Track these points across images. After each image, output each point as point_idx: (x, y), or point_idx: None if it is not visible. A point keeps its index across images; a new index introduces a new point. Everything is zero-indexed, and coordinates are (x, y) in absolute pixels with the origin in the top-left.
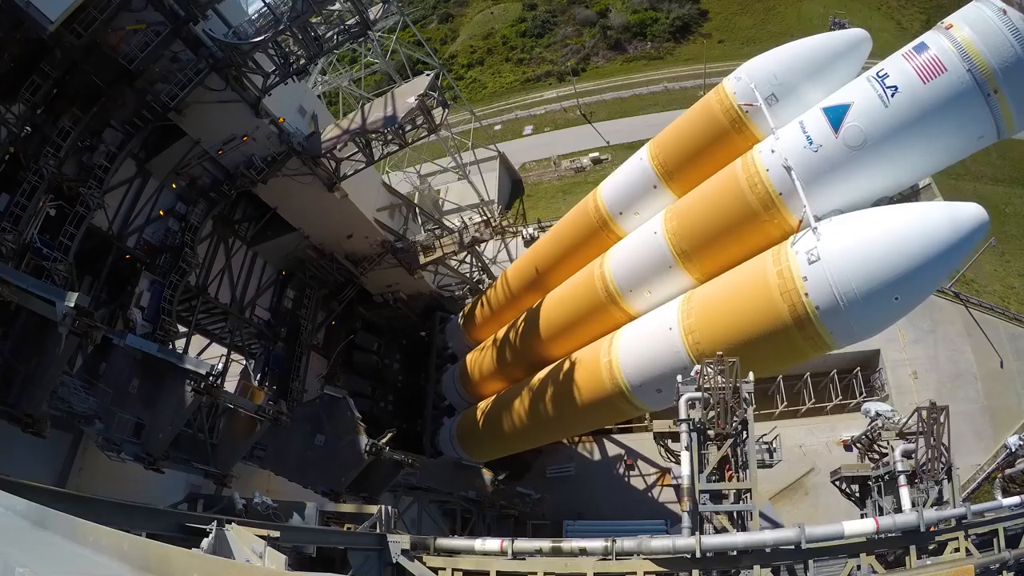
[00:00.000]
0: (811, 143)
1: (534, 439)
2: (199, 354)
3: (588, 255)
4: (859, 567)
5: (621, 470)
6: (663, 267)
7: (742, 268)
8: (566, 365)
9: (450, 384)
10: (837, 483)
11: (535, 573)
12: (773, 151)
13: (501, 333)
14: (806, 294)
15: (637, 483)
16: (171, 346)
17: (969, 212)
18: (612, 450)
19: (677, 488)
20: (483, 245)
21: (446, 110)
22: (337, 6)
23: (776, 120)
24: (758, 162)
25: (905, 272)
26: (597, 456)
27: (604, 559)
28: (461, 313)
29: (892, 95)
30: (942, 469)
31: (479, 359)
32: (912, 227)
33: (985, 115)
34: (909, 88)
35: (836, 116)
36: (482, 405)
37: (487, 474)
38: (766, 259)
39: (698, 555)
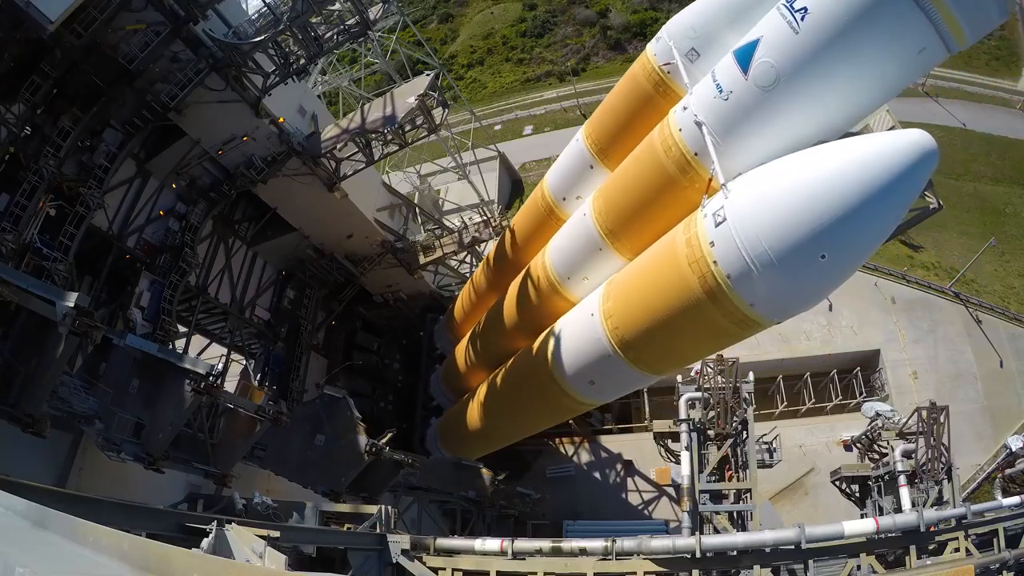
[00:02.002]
0: (721, 91)
1: (498, 438)
2: (199, 354)
3: (539, 246)
4: (859, 567)
5: (621, 470)
6: (594, 250)
7: (658, 243)
8: (513, 361)
9: (436, 384)
10: (837, 483)
11: (535, 573)
12: (685, 108)
13: (472, 331)
14: (714, 262)
15: (637, 483)
16: (171, 346)
17: (906, 141)
18: (612, 450)
19: (677, 488)
20: (483, 245)
21: (446, 110)
22: (337, 6)
23: (698, 76)
24: (671, 123)
25: (828, 222)
26: (597, 456)
27: (604, 559)
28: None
29: (802, 18)
30: (942, 469)
31: (456, 358)
32: (833, 167)
33: (919, 21)
34: (820, 5)
35: (745, 56)
36: (458, 405)
37: (487, 474)
38: (678, 229)
39: (698, 555)
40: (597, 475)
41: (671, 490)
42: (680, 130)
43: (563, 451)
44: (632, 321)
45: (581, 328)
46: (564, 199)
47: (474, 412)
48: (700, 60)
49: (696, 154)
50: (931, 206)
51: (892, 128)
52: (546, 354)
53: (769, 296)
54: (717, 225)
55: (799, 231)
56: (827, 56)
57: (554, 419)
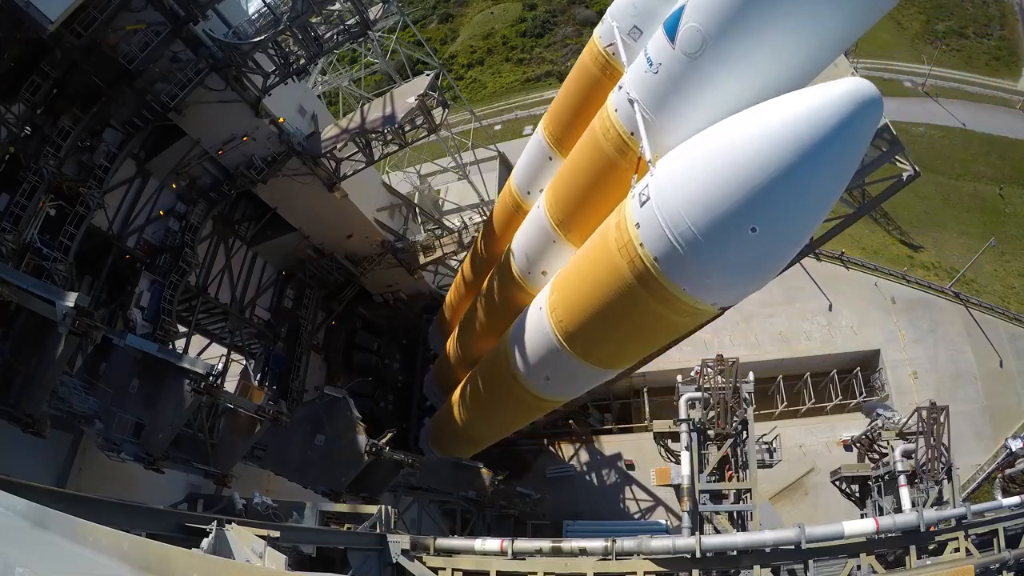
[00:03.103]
0: (651, 64)
1: (480, 438)
2: (199, 354)
3: (508, 242)
4: (859, 567)
5: (621, 470)
6: (548, 242)
7: (596, 231)
8: (483, 360)
9: (429, 384)
10: (837, 483)
11: (535, 573)
12: (620, 87)
13: (455, 332)
14: (641, 244)
15: (637, 483)
16: (171, 346)
17: (838, 92)
18: (612, 450)
19: (677, 488)
20: None
21: (446, 110)
22: (337, 6)
23: (638, 54)
24: (608, 104)
25: (753, 191)
26: (597, 456)
27: (604, 559)
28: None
29: None
30: (942, 469)
31: (443, 358)
32: (756, 129)
33: None
34: None
35: (672, 24)
36: (444, 405)
37: (487, 474)
38: (612, 214)
39: (698, 555)
40: (597, 475)
41: (666, 490)
42: (616, 111)
43: (563, 451)
44: (573, 313)
45: (532, 323)
46: (528, 193)
47: (456, 412)
48: (643, 37)
49: (632, 134)
50: (905, 174)
51: None
52: (506, 351)
53: (701, 278)
54: (642, 205)
55: (722, 203)
56: (753, 11)
57: (524, 417)
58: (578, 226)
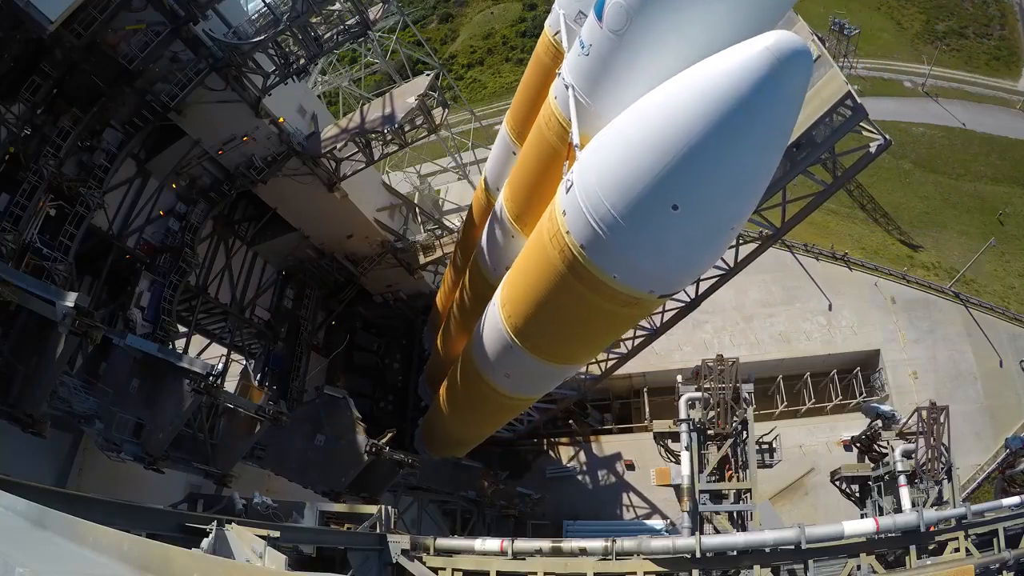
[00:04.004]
0: (584, 47)
1: (463, 439)
2: (199, 354)
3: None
4: (859, 567)
5: (621, 470)
6: (508, 237)
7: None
8: (458, 359)
9: (423, 384)
10: (837, 483)
11: (535, 573)
12: (559, 74)
13: (440, 331)
14: (568, 232)
15: (637, 483)
16: (171, 346)
17: (756, 50)
18: (612, 450)
19: (677, 488)
20: None
21: (446, 110)
22: (337, 6)
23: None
24: (550, 93)
25: (669, 165)
26: (597, 456)
27: (604, 559)
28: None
29: None
30: (942, 469)
31: (431, 358)
32: (668, 99)
33: None
34: None
35: (600, 3)
36: (432, 405)
37: (487, 474)
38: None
39: (698, 555)
40: (597, 475)
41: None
42: (555, 99)
43: (563, 451)
44: (520, 308)
45: (490, 320)
46: (498, 189)
47: (440, 412)
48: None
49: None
50: (875, 143)
51: (818, 58)
52: (471, 349)
53: (629, 264)
54: (567, 191)
55: (638, 181)
56: None
57: (499, 415)
58: (531, 220)
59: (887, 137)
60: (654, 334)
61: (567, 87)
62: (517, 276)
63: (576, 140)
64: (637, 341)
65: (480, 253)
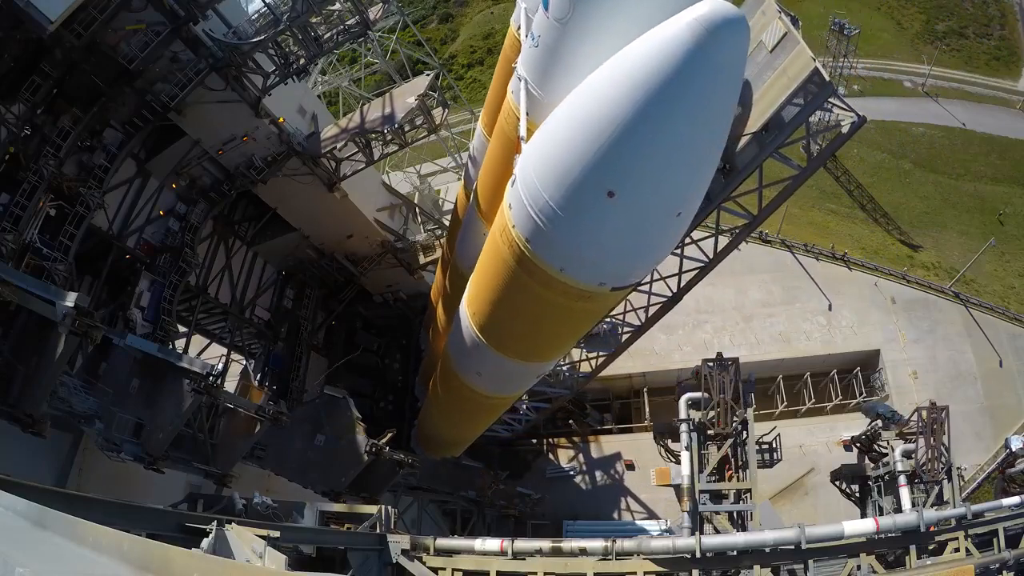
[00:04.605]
0: (534, 39)
1: (452, 439)
2: (199, 354)
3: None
4: (859, 567)
5: (621, 470)
6: (479, 234)
7: None
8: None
9: (419, 385)
10: (837, 483)
11: (535, 573)
12: (515, 67)
13: (430, 330)
14: (513, 225)
15: (637, 483)
16: (171, 346)
17: (681, 23)
18: (611, 450)
19: (677, 488)
20: None
21: (446, 110)
22: (337, 6)
23: None
24: (509, 88)
25: (600, 150)
26: (597, 456)
27: (604, 559)
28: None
29: None
30: (942, 469)
31: (425, 358)
32: (597, 83)
33: None
34: None
35: None
36: (423, 406)
37: (487, 474)
38: None
39: (698, 555)
40: (597, 475)
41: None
42: (512, 93)
43: (563, 451)
44: (482, 305)
45: (460, 318)
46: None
47: (428, 413)
48: None
49: (528, 115)
50: (847, 123)
51: (784, 35)
52: (448, 348)
53: (574, 256)
54: (512, 184)
55: (572, 169)
56: None
57: (481, 415)
58: (495, 216)
59: (860, 114)
60: (640, 330)
61: (519, 80)
62: (478, 273)
63: (523, 133)
64: (624, 337)
65: (457, 250)
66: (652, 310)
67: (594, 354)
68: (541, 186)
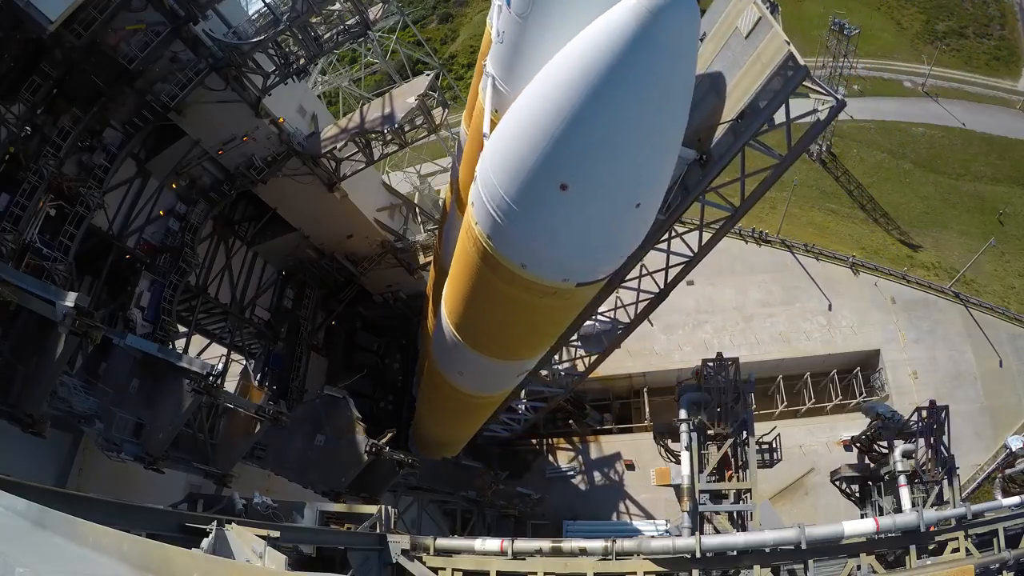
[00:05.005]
0: (499, 35)
1: (445, 439)
2: (199, 354)
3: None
4: (859, 567)
5: (621, 470)
6: (458, 232)
7: None
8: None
9: (417, 386)
10: (837, 483)
11: (535, 573)
12: (484, 65)
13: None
14: (476, 223)
15: (637, 483)
16: (171, 346)
17: (626, 6)
18: (611, 450)
19: (677, 488)
20: None
21: (446, 110)
22: (337, 6)
23: None
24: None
25: (550, 141)
26: (597, 456)
27: (604, 559)
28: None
29: None
30: (942, 469)
31: (419, 358)
32: (545, 75)
33: None
34: None
35: None
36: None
37: (487, 474)
38: None
39: (698, 555)
40: (597, 475)
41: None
42: (482, 90)
43: (562, 451)
44: (456, 304)
45: (441, 317)
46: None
47: (420, 413)
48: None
49: (496, 111)
50: (824, 108)
51: (759, 20)
52: (432, 347)
53: (533, 252)
54: (474, 183)
55: (524, 163)
56: None
57: (464, 415)
58: None
59: (839, 98)
60: (629, 327)
61: (487, 76)
62: (452, 271)
63: (487, 130)
64: (615, 335)
65: (443, 248)
66: (641, 306)
67: (584, 352)
68: (497, 181)
